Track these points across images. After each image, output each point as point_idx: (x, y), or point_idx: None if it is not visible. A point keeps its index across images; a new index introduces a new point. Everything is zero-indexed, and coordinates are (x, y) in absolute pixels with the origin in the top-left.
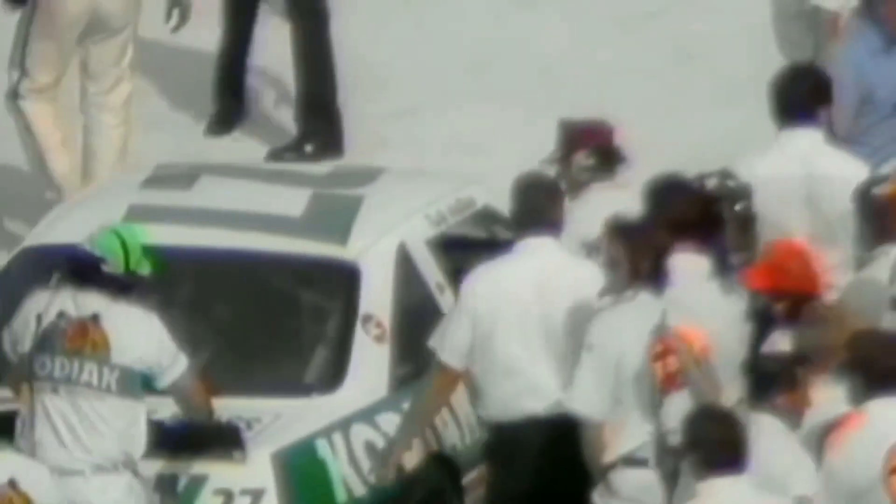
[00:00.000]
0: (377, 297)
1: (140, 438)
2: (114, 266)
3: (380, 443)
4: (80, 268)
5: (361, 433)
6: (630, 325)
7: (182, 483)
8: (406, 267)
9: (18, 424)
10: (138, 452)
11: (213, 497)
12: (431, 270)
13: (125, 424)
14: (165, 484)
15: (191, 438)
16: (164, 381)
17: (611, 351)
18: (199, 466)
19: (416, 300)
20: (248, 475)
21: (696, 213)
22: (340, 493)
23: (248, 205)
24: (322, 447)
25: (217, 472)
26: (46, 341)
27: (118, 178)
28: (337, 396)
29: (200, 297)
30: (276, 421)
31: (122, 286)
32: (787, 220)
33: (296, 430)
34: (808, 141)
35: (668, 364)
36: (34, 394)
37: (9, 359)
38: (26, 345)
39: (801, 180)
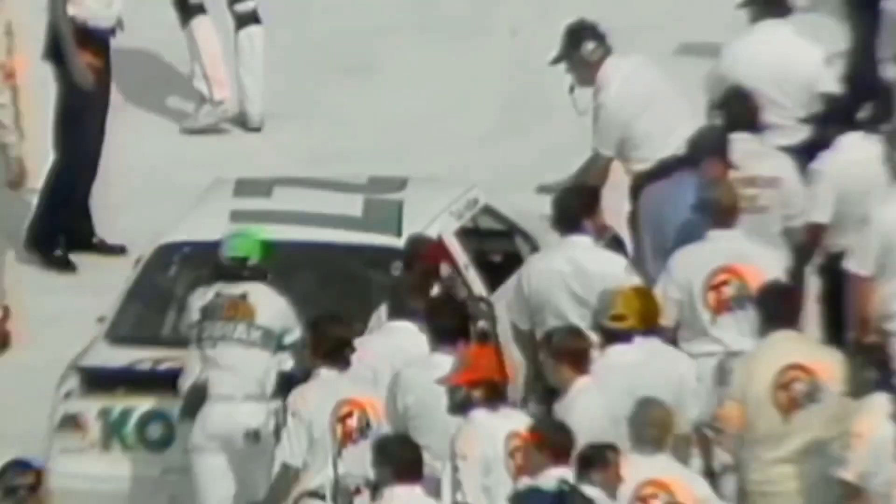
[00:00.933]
0: None
1: (272, 381)
2: (254, 260)
3: None
4: (229, 266)
5: None
6: (316, 395)
7: None
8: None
9: (182, 375)
10: (270, 391)
11: None
12: (459, 254)
13: (264, 369)
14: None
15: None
16: (289, 340)
17: (304, 416)
18: None
19: (451, 275)
20: None
21: (459, 325)
22: None
23: (319, 208)
24: None
25: None
26: (208, 313)
27: (214, 188)
28: None
29: (297, 277)
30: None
31: (262, 273)
32: (559, 304)
33: None
34: (577, 244)
35: (348, 424)
36: (201, 350)
37: (184, 335)
38: (193, 320)
39: (569, 275)
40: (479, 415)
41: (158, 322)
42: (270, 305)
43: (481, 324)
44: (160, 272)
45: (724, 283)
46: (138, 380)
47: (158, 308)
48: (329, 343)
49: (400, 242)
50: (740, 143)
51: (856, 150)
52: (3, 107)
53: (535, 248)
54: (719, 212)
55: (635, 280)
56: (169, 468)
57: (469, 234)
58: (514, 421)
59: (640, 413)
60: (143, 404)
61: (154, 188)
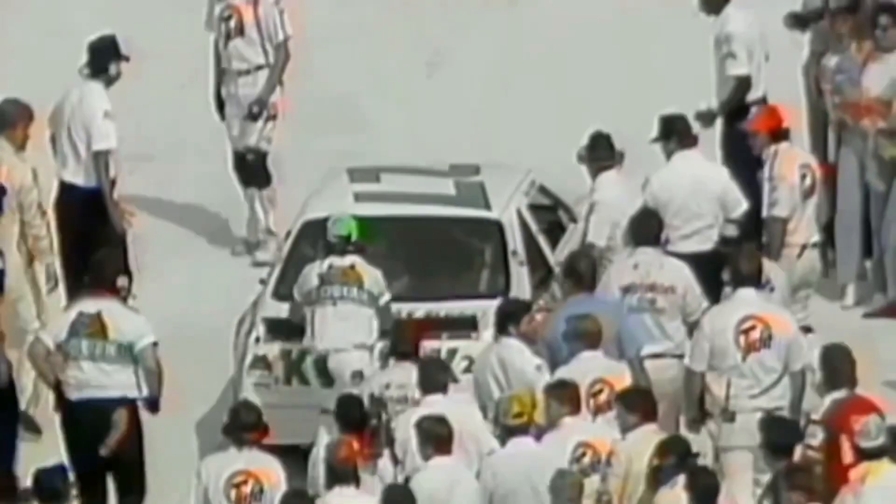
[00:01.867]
0: (515, 239)
1: (374, 333)
2: (354, 237)
3: None
4: (337, 242)
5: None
6: (214, 465)
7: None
8: (523, 222)
9: (308, 330)
10: (373, 340)
11: (461, 361)
12: (533, 223)
13: (368, 325)
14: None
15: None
16: (382, 302)
17: (203, 480)
18: (452, 343)
19: (529, 241)
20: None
21: (361, 418)
22: None
23: (421, 189)
24: None
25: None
26: (326, 279)
27: (331, 177)
28: None
29: (412, 244)
30: (486, 315)
31: (361, 248)
32: (488, 386)
33: None
34: (506, 344)
35: (242, 490)
36: (320, 308)
37: (295, 299)
38: (312, 285)
39: (496, 365)
40: (334, 491)
41: None
42: (370, 274)
43: (374, 422)
44: (305, 242)
45: (600, 391)
46: None
47: None
48: (233, 427)
49: (489, 214)
50: (644, 255)
51: None
52: (43, 237)
53: (573, 219)
54: (589, 337)
55: (545, 377)
56: None
57: (535, 208)
58: (362, 499)
59: (559, 481)
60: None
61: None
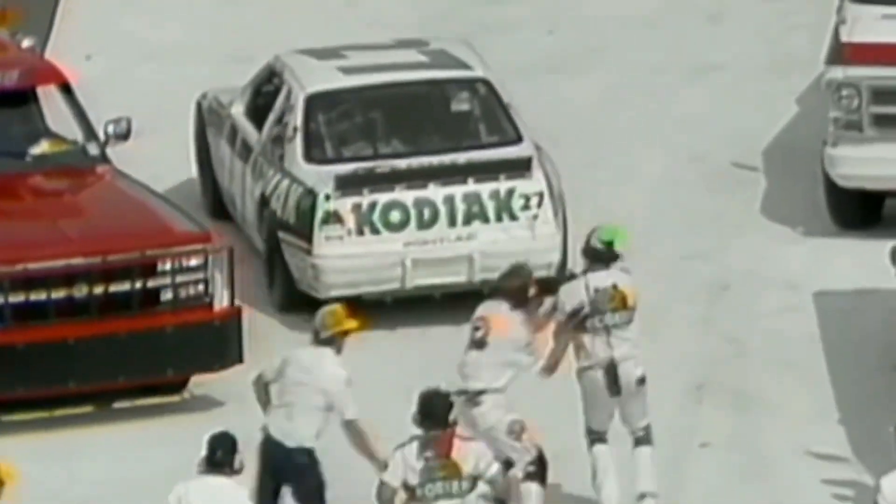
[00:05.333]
0: (505, 94)
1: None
2: (618, 246)
3: None
4: (601, 251)
5: None
6: None
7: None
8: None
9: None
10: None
11: (518, 199)
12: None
13: (638, 335)
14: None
15: None
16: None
17: None
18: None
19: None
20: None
21: None
22: None
23: (398, 59)
24: None
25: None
26: (597, 306)
27: (290, 57)
28: None
29: (413, 107)
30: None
31: (617, 257)
32: None
33: None
34: None
35: None
36: (595, 335)
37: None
38: (583, 311)
39: None
40: None
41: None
42: (631, 287)
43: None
44: (312, 115)
45: None
46: (377, 179)
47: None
48: None
49: (476, 73)
50: None
51: None
52: None
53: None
54: None
55: None
56: (408, 242)
57: None
58: None
59: None
60: (383, 197)
61: None
